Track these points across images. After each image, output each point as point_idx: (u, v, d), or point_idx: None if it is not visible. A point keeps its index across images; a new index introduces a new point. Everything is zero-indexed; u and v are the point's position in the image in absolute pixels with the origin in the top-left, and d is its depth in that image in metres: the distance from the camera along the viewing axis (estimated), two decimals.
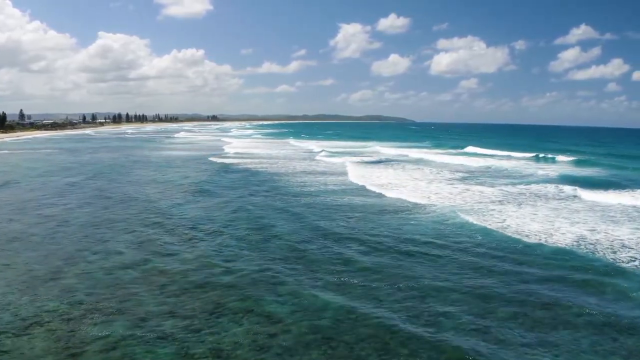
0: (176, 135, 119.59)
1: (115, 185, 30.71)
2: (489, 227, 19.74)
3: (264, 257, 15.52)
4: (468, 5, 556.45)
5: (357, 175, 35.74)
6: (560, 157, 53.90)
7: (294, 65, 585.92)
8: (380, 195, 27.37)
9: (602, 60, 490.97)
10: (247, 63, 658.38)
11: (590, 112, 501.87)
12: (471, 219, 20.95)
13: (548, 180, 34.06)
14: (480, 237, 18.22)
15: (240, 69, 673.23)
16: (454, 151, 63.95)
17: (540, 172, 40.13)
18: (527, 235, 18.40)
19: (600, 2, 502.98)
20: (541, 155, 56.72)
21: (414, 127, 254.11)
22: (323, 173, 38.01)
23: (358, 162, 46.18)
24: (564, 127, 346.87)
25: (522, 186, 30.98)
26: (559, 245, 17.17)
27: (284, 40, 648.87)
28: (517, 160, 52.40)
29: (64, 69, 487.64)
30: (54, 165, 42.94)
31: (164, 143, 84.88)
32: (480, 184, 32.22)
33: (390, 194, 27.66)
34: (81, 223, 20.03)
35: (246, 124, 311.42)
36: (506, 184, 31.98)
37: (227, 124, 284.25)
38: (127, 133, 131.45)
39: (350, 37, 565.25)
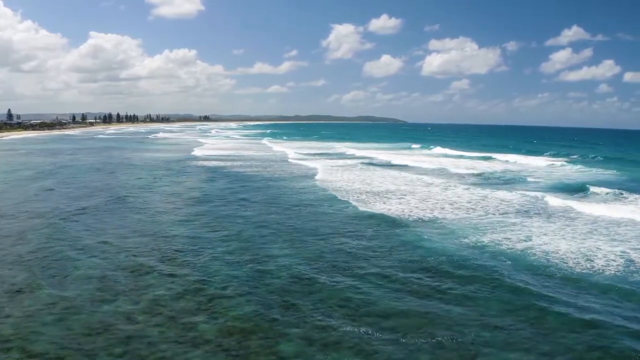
0: (152, 136, 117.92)
1: (50, 193, 30.00)
2: (506, 247, 17.39)
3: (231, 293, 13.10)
4: (459, 7, 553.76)
5: (326, 179, 35.48)
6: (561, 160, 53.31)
7: (285, 66, 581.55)
8: (350, 204, 25.87)
9: (594, 61, 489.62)
10: (238, 63, 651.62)
11: (581, 113, 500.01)
12: (477, 237, 18.60)
13: (546, 188, 32.42)
14: (500, 265, 15.37)
15: (232, 70, 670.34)
16: (428, 152, 63.74)
17: (531, 178, 38.51)
18: (562, 260, 16.12)
19: (592, 4, 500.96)
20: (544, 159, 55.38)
21: (405, 128, 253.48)
22: (291, 175, 37.84)
23: (331, 165, 45.49)
24: (556, 128, 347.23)
25: (513, 193, 29.41)
26: (609, 273, 14.87)
27: (276, 41, 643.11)
28: (505, 164, 51.40)
29: (55, 69, 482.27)
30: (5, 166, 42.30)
31: (137, 144, 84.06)
32: (495, 188, 31.56)
33: (358, 202, 26.43)
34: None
35: (232, 124, 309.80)
36: (496, 190, 30.64)
37: (213, 125, 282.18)
38: (103, 134, 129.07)
39: (342, 37, 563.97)
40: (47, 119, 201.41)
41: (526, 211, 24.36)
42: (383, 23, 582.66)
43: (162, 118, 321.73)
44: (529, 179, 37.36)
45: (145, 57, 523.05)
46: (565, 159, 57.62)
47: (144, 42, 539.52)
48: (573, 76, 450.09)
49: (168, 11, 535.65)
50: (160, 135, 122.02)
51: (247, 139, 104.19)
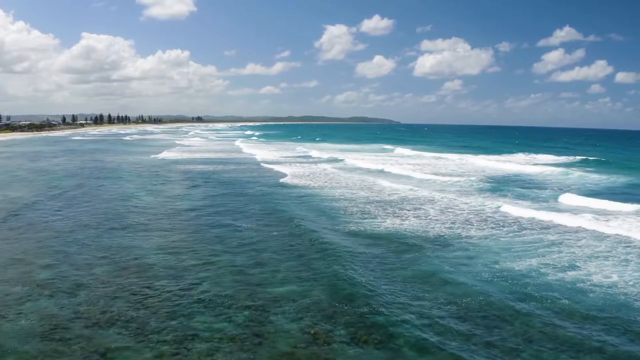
0: (128, 137, 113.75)
1: None
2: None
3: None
4: (452, 7, 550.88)
5: (296, 183, 33.33)
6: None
7: (278, 67, 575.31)
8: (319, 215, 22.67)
9: (586, 62, 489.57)
10: (231, 64, 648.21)
11: (574, 113, 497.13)
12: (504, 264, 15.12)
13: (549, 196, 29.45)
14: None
15: (225, 70, 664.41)
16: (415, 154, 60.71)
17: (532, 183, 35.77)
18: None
19: (584, 4, 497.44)
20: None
21: (400, 129, 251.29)
22: (256, 178, 36.14)
23: (302, 168, 42.99)
24: (549, 129, 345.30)
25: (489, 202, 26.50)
26: None
27: (268, 42, 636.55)
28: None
29: (46, 69, 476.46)
30: None
31: (112, 145, 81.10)
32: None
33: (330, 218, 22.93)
34: None
35: (220, 125, 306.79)
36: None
37: (202, 125, 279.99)
38: (82, 135, 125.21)
39: (335, 38, 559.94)
40: (39, 120, 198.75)
41: (499, 225, 21.12)
42: (375, 24, 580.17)
43: (154, 119, 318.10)
44: (522, 185, 33.61)
45: (137, 58, 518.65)
46: (563, 161, 55.00)
47: (136, 43, 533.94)
48: (565, 77, 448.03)
49: (160, 12, 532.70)
50: (136, 136, 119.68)
51: (223, 141, 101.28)
